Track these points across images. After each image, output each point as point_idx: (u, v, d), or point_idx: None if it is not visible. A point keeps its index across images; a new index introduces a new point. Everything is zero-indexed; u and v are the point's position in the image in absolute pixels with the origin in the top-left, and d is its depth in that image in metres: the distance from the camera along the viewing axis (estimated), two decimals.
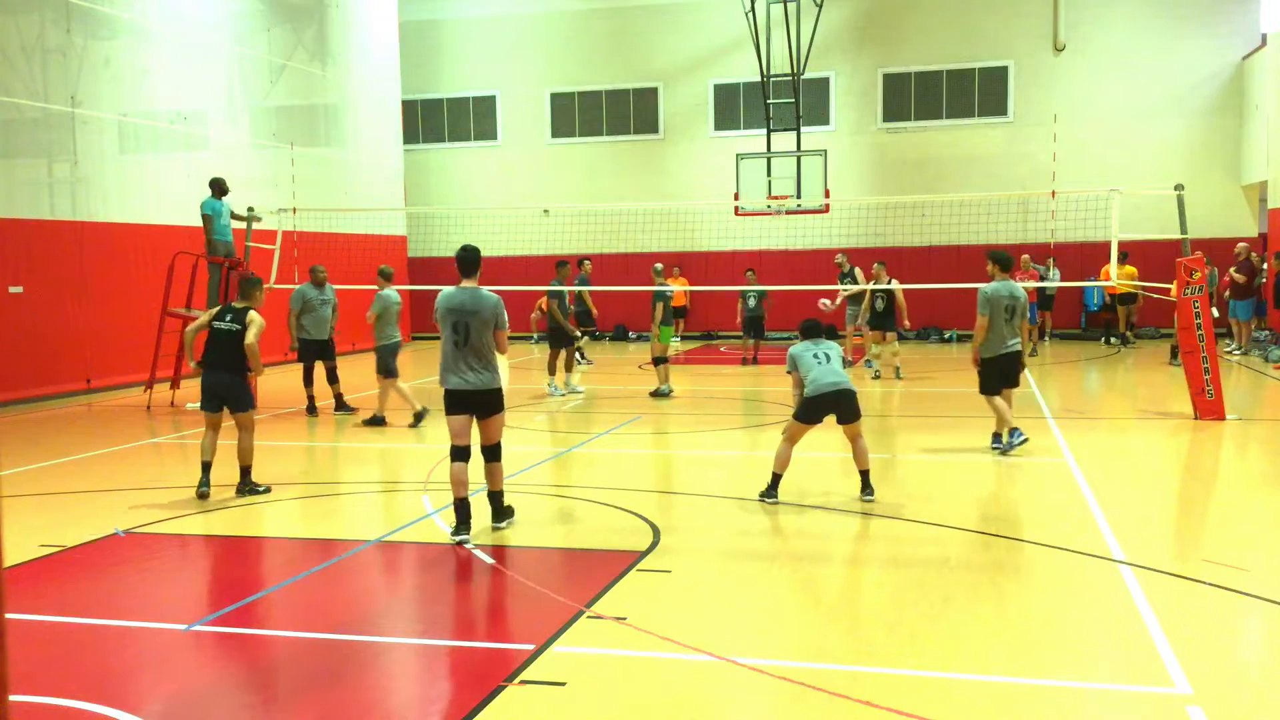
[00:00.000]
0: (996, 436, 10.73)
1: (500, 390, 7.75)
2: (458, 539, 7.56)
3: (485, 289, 7.71)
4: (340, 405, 14.00)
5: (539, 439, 11.81)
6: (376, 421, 12.95)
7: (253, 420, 9.36)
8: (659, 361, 15.35)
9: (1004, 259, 10.76)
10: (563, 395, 15.44)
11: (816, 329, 8.93)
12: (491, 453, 7.75)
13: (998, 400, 10.60)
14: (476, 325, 7.54)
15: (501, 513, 7.95)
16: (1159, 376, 16.97)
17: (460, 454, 7.66)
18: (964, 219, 22.02)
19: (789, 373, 8.78)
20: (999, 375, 10.60)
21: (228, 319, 9.20)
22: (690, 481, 10.26)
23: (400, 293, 14.04)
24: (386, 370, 13.05)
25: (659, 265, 16.34)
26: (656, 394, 15.05)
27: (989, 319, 10.43)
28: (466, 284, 7.68)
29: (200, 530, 8.39)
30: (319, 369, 14.07)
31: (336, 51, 23.52)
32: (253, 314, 9.22)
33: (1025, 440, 10.51)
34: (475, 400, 7.61)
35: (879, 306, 16.86)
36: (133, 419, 14.22)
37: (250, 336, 9.09)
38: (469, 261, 7.73)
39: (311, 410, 13.98)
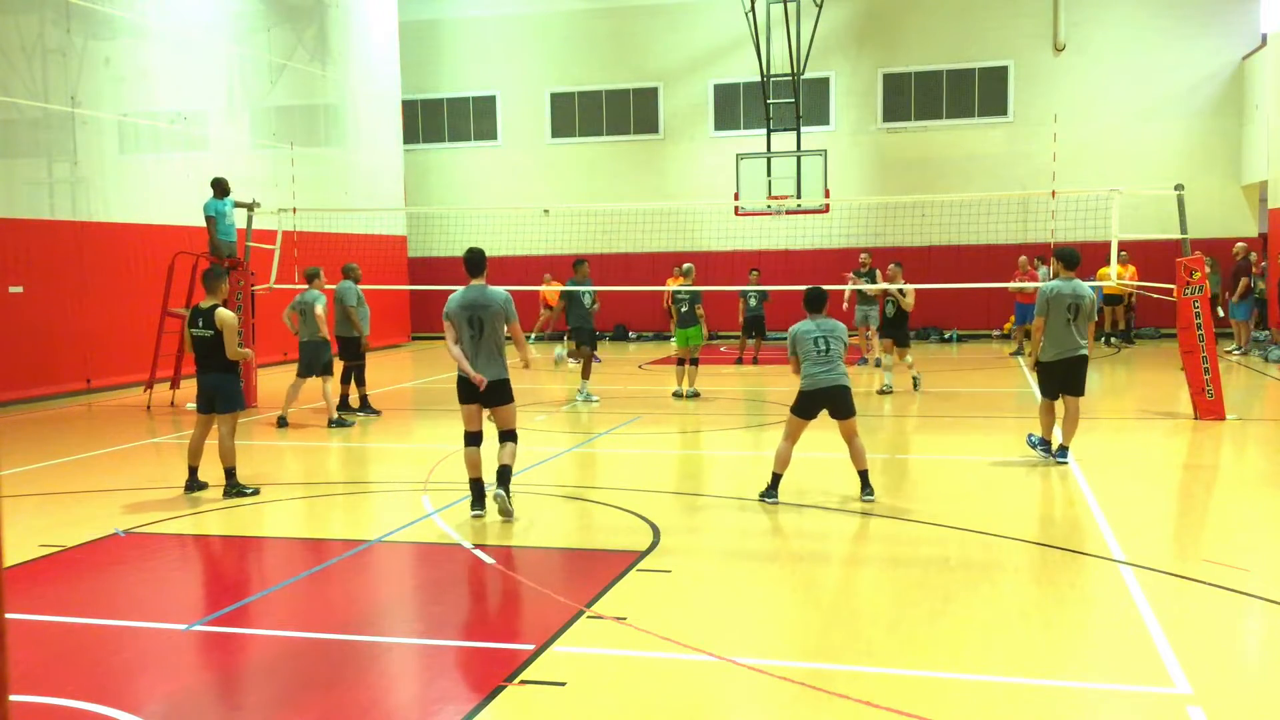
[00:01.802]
0: (1062, 449, 10.01)
1: (508, 381, 8.23)
2: (474, 514, 8.20)
3: (493, 286, 8.24)
4: (363, 405, 13.93)
5: (539, 439, 11.81)
6: (341, 424, 12.96)
7: (235, 421, 9.35)
8: (680, 363, 15.30)
9: (1069, 256, 10.02)
10: (583, 401, 14.72)
11: (820, 300, 8.69)
12: (507, 435, 8.24)
13: (1048, 405, 10.02)
14: (489, 319, 8.08)
15: (506, 485, 8.11)
16: (1159, 376, 16.96)
17: (473, 439, 8.27)
18: (964, 219, 22.02)
19: (790, 355, 8.63)
20: (1058, 380, 9.91)
21: (200, 324, 9.20)
22: (690, 481, 10.26)
23: (400, 293, 14.03)
24: (305, 369, 13.11)
25: (688, 265, 15.87)
26: (677, 394, 15.10)
27: (1045, 320, 9.79)
28: (475, 283, 8.22)
29: (200, 530, 8.40)
30: (339, 367, 13.96)
31: (336, 51, 23.52)
32: (221, 314, 9.14)
33: (1048, 459, 9.96)
34: (486, 390, 8.10)
35: (889, 312, 15.29)
36: (133, 419, 14.22)
37: (230, 350, 9.12)
38: (474, 262, 8.30)
39: (366, 409, 13.85)
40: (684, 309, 14.94)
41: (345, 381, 13.89)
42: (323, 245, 18.74)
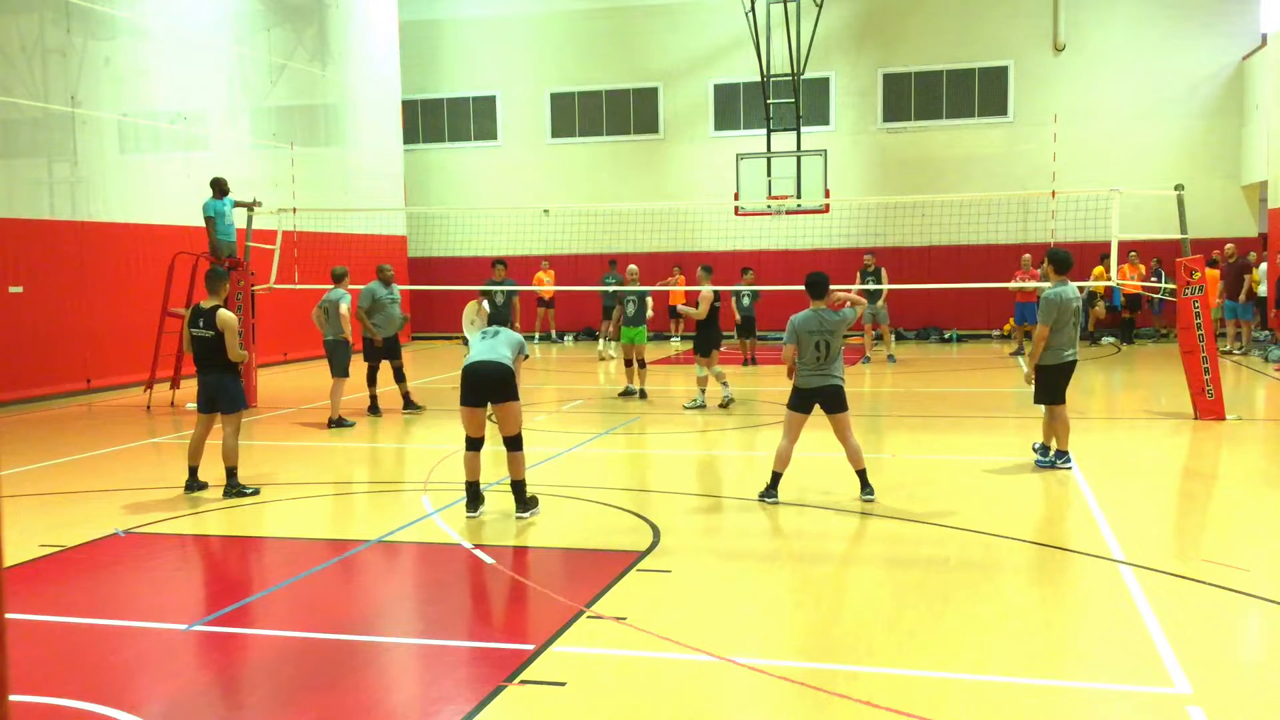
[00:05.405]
0: (1052, 452, 9.84)
1: (512, 375, 8.14)
2: (469, 515, 8.23)
3: (512, 333, 8.44)
4: (409, 404, 13.91)
5: (539, 439, 11.80)
6: (340, 424, 12.92)
7: (239, 421, 9.36)
8: (629, 363, 15.30)
9: (1064, 260, 9.72)
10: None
11: (823, 285, 8.60)
12: (512, 443, 8.22)
13: (1063, 411, 9.70)
14: (501, 333, 8.38)
15: (525, 503, 8.27)
16: (1159, 376, 16.96)
17: (473, 444, 8.24)
18: (964, 219, 22.02)
19: (786, 343, 8.54)
20: (1062, 384, 9.67)
21: (200, 324, 9.19)
22: (690, 481, 10.25)
23: (400, 293, 13.99)
24: (340, 369, 13.09)
25: (633, 267, 16.04)
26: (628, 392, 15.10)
27: (1051, 328, 9.49)
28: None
29: (200, 530, 8.40)
30: (384, 367, 13.90)
31: (336, 51, 23.51)
32: (222, 315, 9.14)
33: (1070, 468, 9.68)
34: (486, 382, 8.06)
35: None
36: (133, 419, 14.22)
37: (232, 353, 9.14)
38: (497, 318, 8.89)
39: (374, 410, 13.74)
40: (630, 310, 15.01)
41: (371, 383, 13.85)
42: (323, 245, 18.73)
